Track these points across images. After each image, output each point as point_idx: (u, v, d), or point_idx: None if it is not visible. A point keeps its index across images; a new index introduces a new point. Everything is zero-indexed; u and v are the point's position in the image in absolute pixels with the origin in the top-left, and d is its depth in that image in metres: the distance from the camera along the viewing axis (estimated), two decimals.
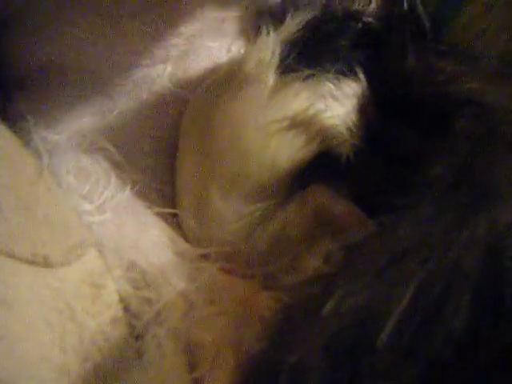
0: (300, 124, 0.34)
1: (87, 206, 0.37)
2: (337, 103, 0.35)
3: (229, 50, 0.41)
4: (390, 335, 0.23)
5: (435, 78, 0.37)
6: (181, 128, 0.39)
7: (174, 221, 0.39)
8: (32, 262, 0.34)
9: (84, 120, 0.40)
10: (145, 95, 0.41)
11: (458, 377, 0.24)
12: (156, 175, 0.40)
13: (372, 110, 0.36)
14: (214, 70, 0.40)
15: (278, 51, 0.35)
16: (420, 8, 0.44)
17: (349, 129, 0.34)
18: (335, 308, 0.26)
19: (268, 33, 0.36)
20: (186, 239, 0.38)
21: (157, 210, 0.38)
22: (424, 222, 0.26)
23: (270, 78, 0.35)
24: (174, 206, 0.39)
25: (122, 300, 0.35)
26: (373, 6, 0.37)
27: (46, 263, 0.33)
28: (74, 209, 0.37)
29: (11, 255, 0.33)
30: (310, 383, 0.26)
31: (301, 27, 0.36)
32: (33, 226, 0.33)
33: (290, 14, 0.37)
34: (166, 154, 0.40)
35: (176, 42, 0.41)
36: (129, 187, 0.38)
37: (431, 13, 0.48)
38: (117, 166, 0.39)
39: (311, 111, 0.34)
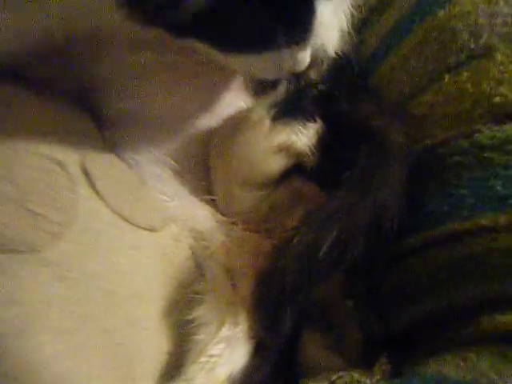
0: (283, 148, 0.63)
1: (164, 197, 0.65)
2: (304, 136, 0.63)
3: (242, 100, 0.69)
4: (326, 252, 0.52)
5: (359, 115, 0.66)
6: (213, 148, 0.67)
7: (212, 204, 0.67)
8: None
9: (156, 145, 0.68)
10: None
11: None
12: (200, 176, 0.68)
13: (324, 137, 0.64)
14: (233, 115, 0.68)
15: (271, 108, 0.63)
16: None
17: (311, 150, 0.63)
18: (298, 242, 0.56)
19: (265, 96, 0.65)
20: (221, 213, 0.66)
21: (202, 197, 0.67)
22: (342, 198, 0.56)
23: (267, 123, 0.63)
24: (211, 194, 0.67)
25: (190, 247, 0.63)
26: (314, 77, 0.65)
27: (151, 229, 0.61)
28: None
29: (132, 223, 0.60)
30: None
31: (283, 92, 0.65)
32: (142, 207, 0.61)
33: (278, 84, 0.65)
34: (205, 163, 0.68)
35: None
36: (184, 184, 0.67)
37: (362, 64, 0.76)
38: (176, 172, 0.67)
39: (289, 141, 0.62)
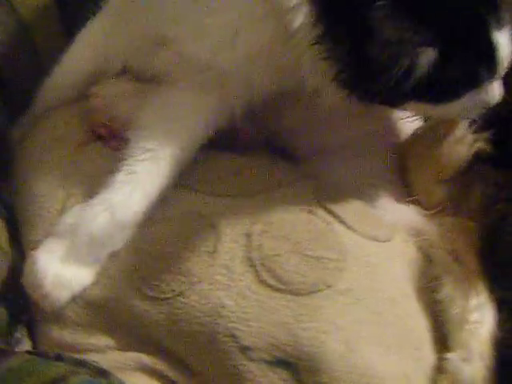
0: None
1: (382, 210, 0.80)
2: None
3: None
4: None
5: None
6: (412, 157, 0.82)
7: (415, 203, 0.82)
8: (371, 238, 0.76)
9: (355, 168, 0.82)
10: None
11: None
12: (398, 184, 0.83)
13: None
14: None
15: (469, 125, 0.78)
16: None
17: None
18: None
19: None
20: (425, 208, 0.81)
21: (406, 200, 0.81)
22: None
23: (468, 137, 0.78)
24: (412, 196, 0.82)
25: (415, 243, 0.78)
26: None
27: (388, 239, 0.76)
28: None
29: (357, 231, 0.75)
30: None
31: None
32: (377, 224, 0.76)
33: None
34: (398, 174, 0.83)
35: None
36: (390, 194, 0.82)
37: None
38: (380, 186, 0.82)
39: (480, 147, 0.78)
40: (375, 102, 0.68)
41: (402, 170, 0.83)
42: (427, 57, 0.62)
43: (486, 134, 0.78)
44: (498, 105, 0.72)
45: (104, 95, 0.81)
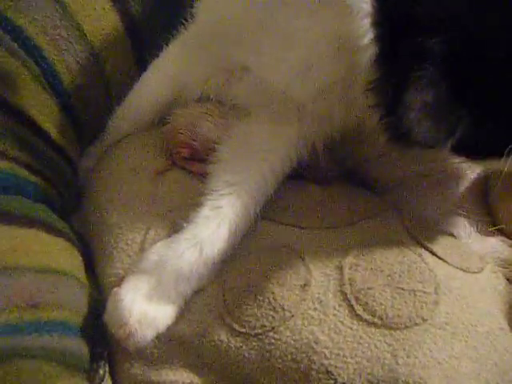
0: None
1: (469, 241, 0.78)
2: None
3: None
4: None
5: None
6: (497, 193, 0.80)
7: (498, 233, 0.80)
8: (462, 269, 0.74)
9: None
10: None
11: None
12: (481, 214, 0.81)
13: None
14: None
15: None
16: None
17: None
18: None
19: None
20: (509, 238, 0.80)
21: (489, 230, 0.80)
22: None
23: None
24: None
25: (504, 274, 0.76)
26: None
27: (480, 270, 0.74)
28: None
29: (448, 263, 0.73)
30: None
31: None
32: (467, 255, 0.74)
33: None
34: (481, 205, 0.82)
35: None
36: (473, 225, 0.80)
37: None
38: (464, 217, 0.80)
39: None
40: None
41: (487, 198, 0.81)
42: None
43: None
44: None
45: (188, 114, 0.80)
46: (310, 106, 0.72)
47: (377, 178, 0.81)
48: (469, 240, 0.78)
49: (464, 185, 0.80)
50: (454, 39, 0.59)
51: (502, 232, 0.80)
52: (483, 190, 0.81)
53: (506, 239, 0.79)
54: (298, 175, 0.77)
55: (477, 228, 0.79)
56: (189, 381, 0.71)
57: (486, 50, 0.60)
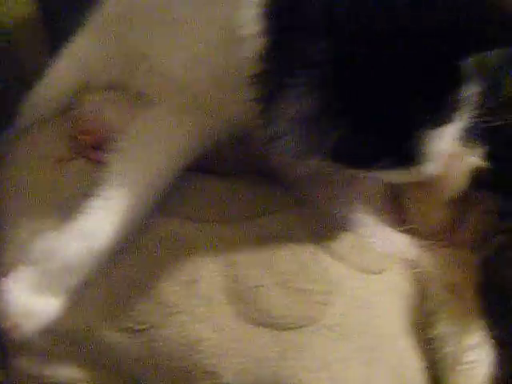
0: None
1: (373, 240, 0.75)
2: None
3: None
4: None
5: None
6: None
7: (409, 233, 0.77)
8: (361, 270, 0.71)
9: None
10: None
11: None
12: (391, 211, 0.78)
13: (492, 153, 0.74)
14: None
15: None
16: None
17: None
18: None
19: None
20: (420, 238, 0.77)
21: (400, 229, 0.77)
22: None
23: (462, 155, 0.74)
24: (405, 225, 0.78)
25: (410, 276, 0.74)
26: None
27: (381, 272, 0.72)
28: None
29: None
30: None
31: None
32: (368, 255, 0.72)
33: None
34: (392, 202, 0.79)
35: None
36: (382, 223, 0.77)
37: None
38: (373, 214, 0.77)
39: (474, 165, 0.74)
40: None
41: (397, 196, 0.79)
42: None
43: (483, 149, 0.75)
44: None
45: (93, 102, 0.77)
46: (205, 97, 0.69)
47: (284, 173, 0.78)
48: (376, 240, 0.75)
49: (375, 183, 0.77)
50: (337, 47, 0.56)
51: (413, 232, 0.77)
52: (395, 190, 0.78)
53: (417, 240, 0.77)
54: (201, 168, 0.74)
55: (387, 228, 0.76)
56: (79, 376, 0.68)
57: (364, 59, 0.57)
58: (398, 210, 0.79)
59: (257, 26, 0.60)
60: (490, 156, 0.75)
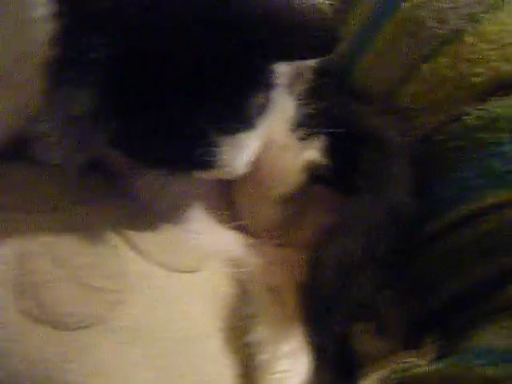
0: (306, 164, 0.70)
1: (193, 235, 0.69)
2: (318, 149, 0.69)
3: None
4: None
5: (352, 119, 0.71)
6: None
7: (240, 229, 0.72)
8: (168, 268, 0.64)
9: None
10: None
11: None
12: (221, 207, 0.73)
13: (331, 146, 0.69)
14: None
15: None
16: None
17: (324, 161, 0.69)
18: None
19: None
20: (250, 235, 0.72)
21: (228, 225, 0.71)
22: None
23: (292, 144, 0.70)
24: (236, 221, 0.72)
25: (231, 276, 0.68)
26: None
27: (192, 270, 0.66)
28: None
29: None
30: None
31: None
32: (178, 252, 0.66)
33: None
34: (224, 194, 0.73)
35: None
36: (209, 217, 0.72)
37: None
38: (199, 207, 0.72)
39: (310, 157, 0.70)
40: None
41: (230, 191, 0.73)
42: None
43: (318, 142, 0.69)
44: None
45: None
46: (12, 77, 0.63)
47: (111, 162, 0.72)
48: (199, 236, 0.69)
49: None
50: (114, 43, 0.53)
51: (242, 229, 0.72)
52: (229, 184, 0.73)
53: (245, 238, 0.71)
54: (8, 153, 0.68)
55: (214, 224, 0.71)
56: None
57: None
58: (230, 205, 0.73)
59: (51, 7, 0.55)
60: (328, 150, 0.69)
